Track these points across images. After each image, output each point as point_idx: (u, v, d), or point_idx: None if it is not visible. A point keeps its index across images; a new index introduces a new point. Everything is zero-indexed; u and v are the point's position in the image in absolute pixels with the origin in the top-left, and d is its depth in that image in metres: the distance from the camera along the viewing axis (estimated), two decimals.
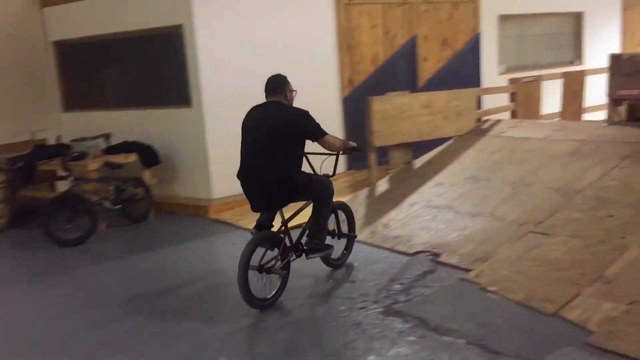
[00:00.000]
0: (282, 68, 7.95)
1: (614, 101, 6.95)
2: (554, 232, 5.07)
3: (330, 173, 5.02)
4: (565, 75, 9.48)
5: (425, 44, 9.36)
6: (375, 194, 7.02)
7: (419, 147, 7.98)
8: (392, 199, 6.70)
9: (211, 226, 7.04)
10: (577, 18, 11.42)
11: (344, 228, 5.34)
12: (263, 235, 4.63)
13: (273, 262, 4.61)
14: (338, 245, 5.25)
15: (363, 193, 7.11)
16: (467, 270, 4.93)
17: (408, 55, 9.23)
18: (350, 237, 5.41)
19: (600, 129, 6.86)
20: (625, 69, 6.78)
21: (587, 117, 9.58)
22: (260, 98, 7.87)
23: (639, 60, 6.78)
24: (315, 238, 4.85)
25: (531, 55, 11.07)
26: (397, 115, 7.45)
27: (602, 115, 8.70)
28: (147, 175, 7.49)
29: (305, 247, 4.87)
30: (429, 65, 9.45)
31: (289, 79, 5.77)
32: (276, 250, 4.66)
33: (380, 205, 6.64)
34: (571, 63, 11.40)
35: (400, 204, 6.49)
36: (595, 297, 4.11)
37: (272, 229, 4.77)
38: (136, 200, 7.30)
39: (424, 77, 9.39)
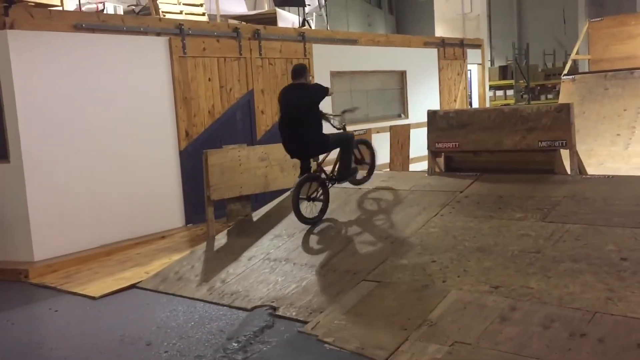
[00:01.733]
0: (115, 120, 7.73)
1: (433, 153, 7.55)
2: (384, 279, 5.30)
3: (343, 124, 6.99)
4: (391, 128, 10.18)
5: (262, 97, 9.57)
6: (213, 249, 6.88)
7: (258, 200, 8.03)
8: (230, 253, 6.61)
9: (31, 292, 6.40)
10: (401, 76, 12.41)
11: (368, 159, 7.28)
12: (306, 177, 6.62)
13: (316, 192, 6.69)
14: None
15: (201, 248, 6.94)
16: (304, 322, 4.96)
17: (245, 108, 9.35)
18: (370, 166, 7.32)
19: (423, 178, 7.40)
20: (441, 124, 7.43)
21: (413, 167, 10.33)
22: (92, 152, 7.59)
23: (453, 116, 7.47)
24: (343, 170, 6.81)
25: (362, 109, 11.77)
26: (235, 168, 7.45)
27: (426, 165, 9.42)
28: None
29: (337, 177, 6.83)
30: (266, 118, 9.64)
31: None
32: (316, 184, 6.70)
33: (218, 260, 6.51)
34: (399, 117, 12.30)
35: (239, 257, 6.42)
36: (421, 340, 4.32)
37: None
38: None
39: (262, 129, 9.56)
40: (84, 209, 7.37)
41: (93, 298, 6.01)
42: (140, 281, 6.37)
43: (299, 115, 6.42)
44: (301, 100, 6.44)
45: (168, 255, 7.14)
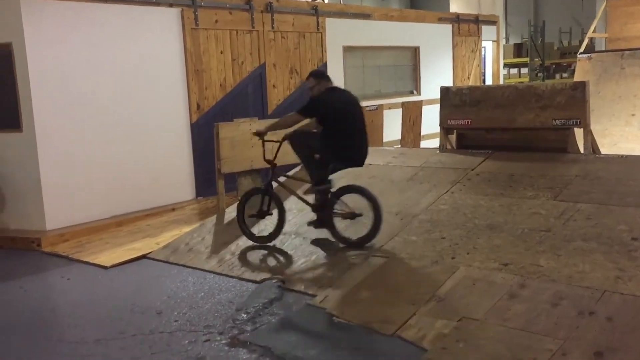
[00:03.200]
0: (126, 92, 7.73)
1: (446, 130, 7.50)
2: (394, 255, 5.32)
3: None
4: (404, 105, 10.11)
5: (274, 71, 9.51)
6: (223, 222, 6.92)
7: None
8: None
9: (44, 260, 6.48)
10: (414, 52, 12.28)
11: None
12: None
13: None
14: None
15: (211, 221, 6.98)
16: (313, 295, 4.99)
17: (257, 82, 9.31)
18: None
19: (434, 155, 7.36)
20: (454, 101, 7.37)
21: (424, 144, 10.27)
22: (104, 123, 7.59)
23: (466, 93, 7.40)
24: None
25: (374, 85, 11.70)
26: (246, 142, 7.44)
27: (437, 142, 9.37)
28: None
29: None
30: (277, 92, 9.60)
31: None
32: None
33: (228, 233, 6.54)
34: (411, 93, 12.20)
35: None
36: (429, 315, 4.34)
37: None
38: None
39: (273, 103, 9.52)
40: (95, 180, 7.42)
41: (104, 267, 6.08)
42: (151, 252, 6.43)
43: (361, 122, 5.89)
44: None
45: (178, 227, 7.19)
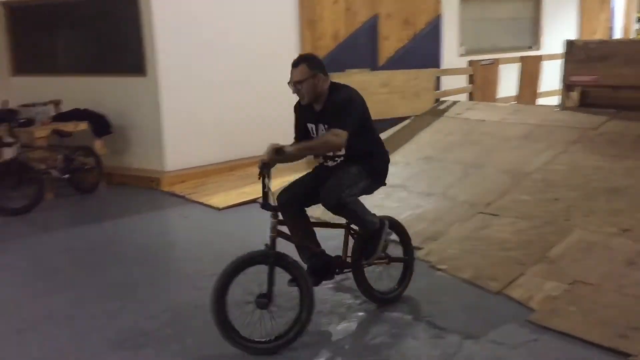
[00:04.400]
0: (242, 41, 7.89)
1: (568, 87, 7.08)
2: (503, 213, 5.17)
3: None
4: (522, 59, 9.62)
5: (387, 22, 9.32)
6: None
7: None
8: None
9: (163, 199, 6.93)
10: (536, 4, 11.56)
11: None
12: None
13: None
14: None
15: None
16: (418, 248, 4.96)
17: (369, 33, 9.18)
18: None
19: (552, 113, 7.00)
20: (579, 56, 6.91)
21: (541, 101, 9.76)
22: (220, 70, 7.81)
23: (593, 47, 6.92)
24: None
25: (491, 38, 11.18)
26: None
27: (556, 100, 8.88)
28: (98, 145, 7.30)
29: None
30: (389, 44, 9.42)
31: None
32: None
33: None
34: (529, 48, 11.56)
35: None
36: (538, 276, 4.22)
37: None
38: (86, 170, 7.12)
39: (385, 56, 9.37)
40: (212, 126, 7.73)
41: (217, 209, 6.40)
42: (261, 197, 6.66)
43: None
44: None
45: (288, 175, 7.35)
